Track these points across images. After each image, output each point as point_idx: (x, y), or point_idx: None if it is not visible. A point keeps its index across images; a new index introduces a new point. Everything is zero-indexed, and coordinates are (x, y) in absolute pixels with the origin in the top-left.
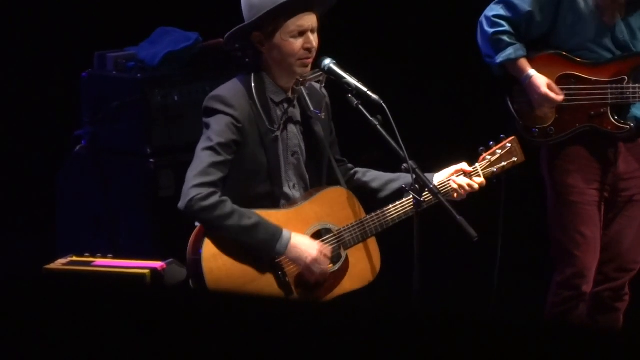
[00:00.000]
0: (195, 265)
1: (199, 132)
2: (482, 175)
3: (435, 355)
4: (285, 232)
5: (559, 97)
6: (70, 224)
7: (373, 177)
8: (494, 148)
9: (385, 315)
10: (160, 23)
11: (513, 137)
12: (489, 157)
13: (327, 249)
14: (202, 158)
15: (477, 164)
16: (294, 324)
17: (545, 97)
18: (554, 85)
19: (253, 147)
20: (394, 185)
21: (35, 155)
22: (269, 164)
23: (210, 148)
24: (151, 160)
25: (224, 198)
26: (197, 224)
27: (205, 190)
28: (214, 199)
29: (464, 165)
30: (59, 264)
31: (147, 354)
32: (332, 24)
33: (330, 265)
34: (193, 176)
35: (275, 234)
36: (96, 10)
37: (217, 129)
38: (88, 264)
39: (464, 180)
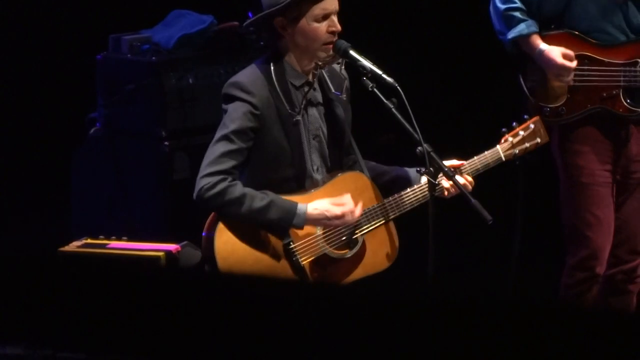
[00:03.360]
0: (208, 249)
1: (214, 115)
2: (503, 156)
3: (447, 338)
4: (300, 206)
5: (574, 63)
6: (85, 206)
7: (369, 167)
8: (517, 129)
9: (399, 298)
10: (175, 6)
11: (537, 118)
12: (511, 138)
13: (344, 208)
14: (215, 148)
15: (498, 146)
16: (308, 306)
17: (563, 67)
18: (569, 53)
19: (274, 132)
20: (384, 178)
21: (50, 138)
22: (292, 148)
23: (225, 137)
24: (166, 142)
25: (233, 182)
26: None
27: (214, 179)
28: (222, 185)
29: (453, 162)
30: (74, 246)
31: (161, 335)
32: (347, 6)
33: (347, 251)
34: (204, 166)
35: (290, 210)
36: None
37: (234, 116)
38: (103, 246)
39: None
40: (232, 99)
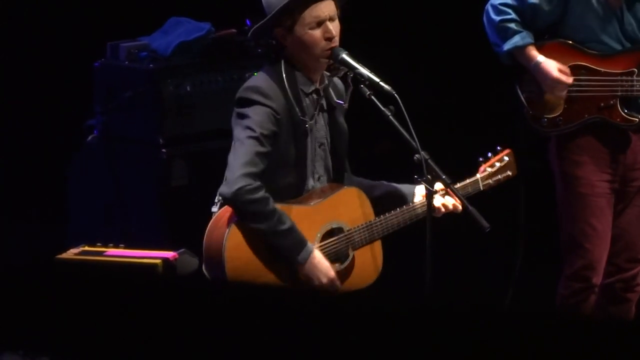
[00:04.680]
0: (216, 253)
1: (211, 122)
2: (482, 186)
3: (444, 349)
4: (309, 245)
5: (570, 79)
6: (83, 213)
7: (357, 181)
8: (493, 160)
9: (396, 308)
10: (172, 13)
11: (509, 150)
12: (489, 169)
13: (337, 282)
14: (248, 146)
15: (478, 175)
16: (305, 314)
17: (558, 81)
18: (564, 68)
19: (285, 138)
20: (374, 193)
21: (47, 145)
22: (297, 154)
23: (255, 137)
24: (163, 150)
25: (268, 195)
26: (213, 209)
27: (254, 183)
28: (261, 194)
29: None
30: (71, 253)
31: (158, 343)
32: (345, 15)
33: (337, 264)
34: (240, 164)
35: (300, 243)
36: (109, 0)
37: (258, 119)
38: (100, 253)
39: (441, 200)
40: (251, 102)
